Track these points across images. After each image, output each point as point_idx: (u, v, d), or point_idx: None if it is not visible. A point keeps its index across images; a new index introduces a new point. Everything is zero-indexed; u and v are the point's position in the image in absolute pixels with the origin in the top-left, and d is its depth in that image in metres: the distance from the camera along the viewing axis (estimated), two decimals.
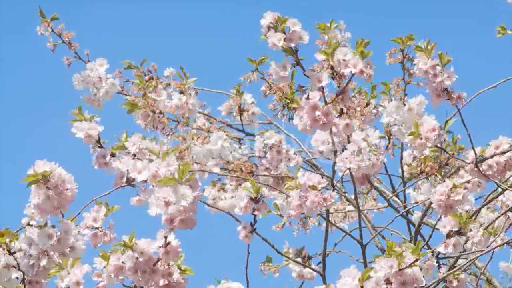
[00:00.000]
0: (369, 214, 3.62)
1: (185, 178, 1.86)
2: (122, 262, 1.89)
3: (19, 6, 6.84)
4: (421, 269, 1.92)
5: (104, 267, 1.94)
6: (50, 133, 6.08)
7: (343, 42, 3.41)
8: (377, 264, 1.91)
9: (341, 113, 2.26)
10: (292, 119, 2.25)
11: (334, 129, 2.25)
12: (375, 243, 3.13)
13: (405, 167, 3.14)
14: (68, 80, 3.06)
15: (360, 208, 2.92)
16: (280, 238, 2.89)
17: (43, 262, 1.98)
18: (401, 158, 3.09)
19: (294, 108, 2.23)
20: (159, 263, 1.90)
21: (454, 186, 2.30)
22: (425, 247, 2.72)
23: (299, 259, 2.92)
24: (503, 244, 2.37)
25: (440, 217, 2.40)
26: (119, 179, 2.17)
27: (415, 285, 1.92)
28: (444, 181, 2.34)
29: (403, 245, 1.93)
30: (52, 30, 3.26)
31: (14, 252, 2.00)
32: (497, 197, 2.72)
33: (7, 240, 2.00)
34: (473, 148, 2.48)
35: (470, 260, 2.52)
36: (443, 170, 3.00)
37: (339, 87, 2.19)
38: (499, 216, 2.70)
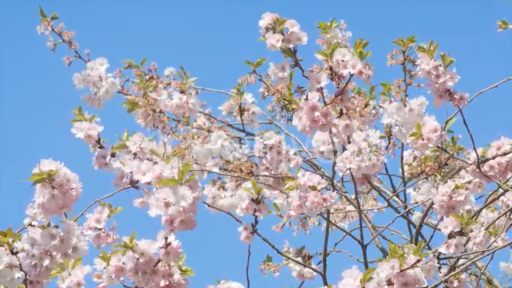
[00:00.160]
0: (369, 214, 3.61)
1: (185, 179, 1.86)
2: (123, 263, 1.89)
3: (19, 5, 6.84)
4: (422, 270, 1.92)
5: (104, 268, 1.93)
6: (50, 133, 6.09)
7: (344, 41, 3.40)
8: (380, 267, 1.91)
9: (340, 113, 2.25)
10: (291, 120, 2.25)
11: (333, 130, 2.24)
12: (375, 243, 3.13)
13: (406, 167, 3.13)
14: (68, 79, 3.07)
15: (361, 208, 2.92)
16: (280, 238, 2.89)
17: (46, 262, 1.98)
18: (402, 158, 3.09)
19: (293, 109, 2.23)
20: (159, 264, 1.90)
21: (456, 187, 2.29)
22: (426, 247, 2.72)
23: (299, 259, 2.91)
24: (505, 245, 2.36)
25: (442, 218, 2.40)
26: (119, 180, 2.17)
27: (417, 286, 1.92)
28: (445, 181, 2.34)
29: (405, 246, 1.92)
30: (52, 29, 3.26)
31: (17, 252, 2.00)
32: (498, 198, 2.72)
33: (10, 240, 1.99)
34: (474, 148, 2.48)
35: (470, 260, 2.51)
36: (442, 170, 3.00)
37: (338, 88, 2.19)
38: (500, 217, 2.70)
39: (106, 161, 2.32)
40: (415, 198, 3.44)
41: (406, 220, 3.11)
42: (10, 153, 6.18)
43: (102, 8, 6.80)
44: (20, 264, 1.99)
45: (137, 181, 2.03)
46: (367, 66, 2.16)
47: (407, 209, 3.17)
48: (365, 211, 3.41)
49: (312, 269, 2.85)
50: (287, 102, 2.36)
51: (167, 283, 1.91)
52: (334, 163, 2.41)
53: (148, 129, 3.01)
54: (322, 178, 2.26)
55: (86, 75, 3.03)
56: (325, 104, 2.17)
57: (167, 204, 1.84)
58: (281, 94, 2.60)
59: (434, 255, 2.10)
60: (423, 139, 2.39)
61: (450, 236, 2.17)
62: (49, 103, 6.48)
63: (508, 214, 2.72)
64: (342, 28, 3.48)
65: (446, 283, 2.66)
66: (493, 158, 2.50)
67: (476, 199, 2.92)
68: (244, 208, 2.33)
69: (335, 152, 2.47)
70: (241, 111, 3.23)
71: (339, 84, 2.18)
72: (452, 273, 2.48)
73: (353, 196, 3.10)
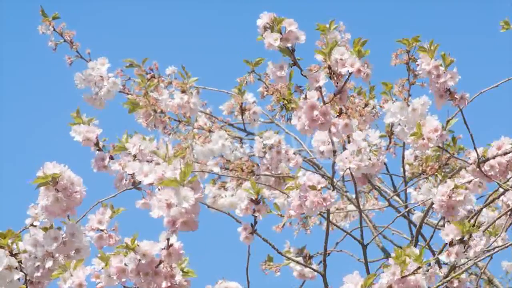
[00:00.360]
0: (370, 213, 3.61)
1: (187, 180, 1.86)
2: (125, 264, 1.89)
3: (20, 5, 6.84)
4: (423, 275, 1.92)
5: (102, 268, 1.93)
6: (50, 133, 6.09)
7: (342, 43, 3.40)
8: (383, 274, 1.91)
9: (340, 113, 2.25)
10: (291, 119, 2.24)
11: (333, 129, 2.24)
12: (376, 243, 3.13)
13: (407, 167, 3.13)
14: (69, 79, 3.07)
15: (361, 207, 2.92)
16: (280, 238, 2.90)
17: (48, 264, 1.98)
18: (403, 158, 3.09)
19: (292, 108, 2.23)
20: (161, 265, 1.90)
21: (456, 187, 2.30)
22: (426, 247, 2.72)
23: (300, 259, 2.92)
24: (507, 246, 2.37)
25: (442, 218, 2.40)
26: (119, 181, 2.17)
27: None
28: (445, 181, 2.34)
29: (406, 249, 1.92)
30: (54, 29, 3.26)
31: (17, 254, 1.99)
32: (498, 198, 2.72)
33: (9, 241, 1.99)
34: (475, 148, 2.48)
35: (470, 260, 2.51)
36: (443, 170, 3.00)
37: (337, 86, 2.18)
38: (500, 217, 2.70)
39: (105, 164, 2.31)
40: (415, 198, 3.45)
41: (407, 220, 3.11)
42: (10, 153, 6.18)
43: (103, 8, 6.80)
44: (20, 266, 1.99)
45: (139, 182, 2.03)
46: (366, 65, 2.16)
47: (407, 209, 3.17)
48: (366, 211, 3.41)
49: (313, 269, 2.85)
50: (287, 102, 2.36)
51: (169, 284, 1.91)
52: (334, 163, 2.41)
53: (149, 129, 3.02)
54: (322, 177, 2.26)
55: (88, 74, 3.03)
56: (324, 103, 2.17)
57: (169, 205, 1.84)
58: (280, 93, 2.60)
59: (435, 262, 2.09)
60: (423, 139, 2.39)
61: (451, 244, 2.16)
62: (50, 103, 6.48)
63: (508, 213, 2.73)
64: (341, 30, 3.48)
65: (446, 283, 2.66)
66: (494, 157, 2.51)
67: (477, 199, 2.93)
68: (243, 208, 2.33)
69: (334, 151, 2.47)
70: (242, 110, 3.23)
71: (337, 83, 2.18)
72: (453, 273, 2.47)
73: (354, 196, 3.10)
